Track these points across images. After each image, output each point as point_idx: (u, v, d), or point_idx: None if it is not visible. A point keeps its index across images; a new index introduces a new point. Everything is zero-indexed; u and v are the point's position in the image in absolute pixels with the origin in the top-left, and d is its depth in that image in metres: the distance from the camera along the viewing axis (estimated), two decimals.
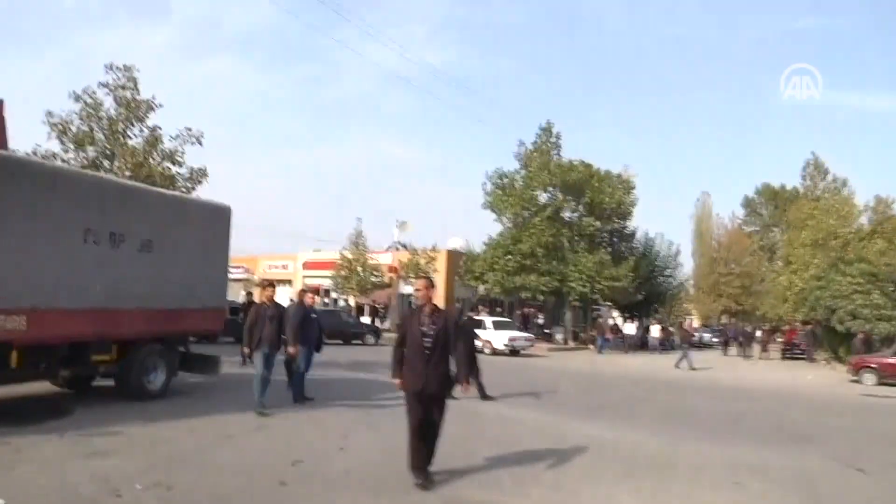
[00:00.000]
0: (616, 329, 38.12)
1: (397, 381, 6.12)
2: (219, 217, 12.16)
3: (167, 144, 18.41)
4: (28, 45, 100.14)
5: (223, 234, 12.20)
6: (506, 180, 37.11)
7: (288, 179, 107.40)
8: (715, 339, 43.22)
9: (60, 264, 8.88)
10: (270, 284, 11.03)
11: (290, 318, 10.40)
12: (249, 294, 17.81)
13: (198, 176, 18.51)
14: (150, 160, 17.96)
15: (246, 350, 10.09)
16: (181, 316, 10.95)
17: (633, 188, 38.66)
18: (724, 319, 58.90)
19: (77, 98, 17.27)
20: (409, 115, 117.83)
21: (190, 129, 18.57)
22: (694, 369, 23.24)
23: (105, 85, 17.58)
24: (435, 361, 5.95)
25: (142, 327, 10.21)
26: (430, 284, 6.33)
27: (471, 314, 18.89)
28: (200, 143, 18.71)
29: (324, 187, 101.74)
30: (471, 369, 7.44)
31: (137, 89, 17.90)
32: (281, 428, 8.83)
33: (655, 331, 42.15)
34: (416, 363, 5.96)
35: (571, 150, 40.25)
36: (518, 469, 6.93)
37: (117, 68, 17.65)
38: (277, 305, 10.43)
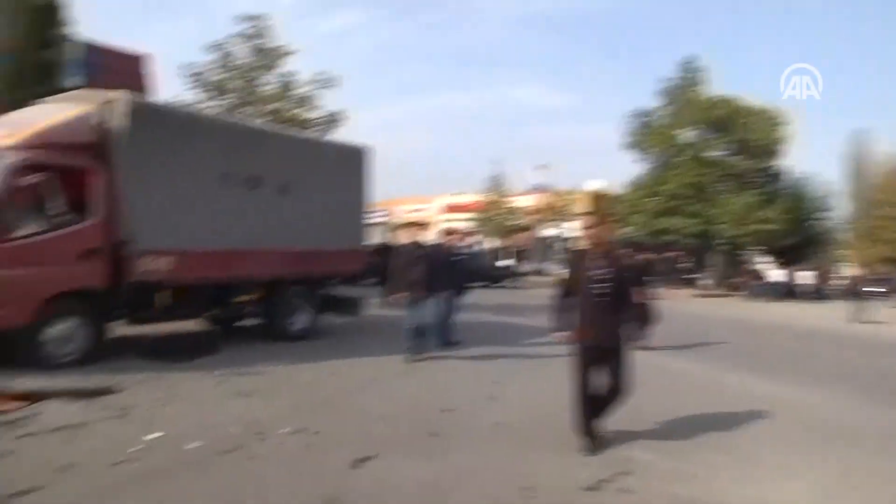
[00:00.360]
0: (762, 275, 35.29)
1: (561, 333, 5.28)
2: (356, 158, 11.90)
3: (302, 90, 18.45)
4: (169, 9, 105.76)
5: (361, 175, 11.95)
6: (648, 119, 34.81)
7: (425, 125, 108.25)
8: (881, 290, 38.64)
9: (202, 207, 8.91)
10: (419, 225, 10.62)
11: (433, 259, 9.87)
12: (389, 236, 17.67)
13: (334, 119, 18.46)
14: (285, 106, 18.10)
15: (397, 295, 9.36)
16: (321, 257, 10.85)
17: (785, 124, 34.95)
18: (884, 267, 53.01)
19: (212, 49, 17.60)
20: (547, 56, 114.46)
21: (323, 74, 18.52)
22: (867, 322, 20.61)
23: (238, 35, 17.78)
24: (610, 310, 5.13)
25: (282, 269, 10.19)
26: (603, 221, 5.45)
27: (649, 255, 16.56)
28: (334, 87, 18.63)
29: (461, 132, 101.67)
30: (649, 321, 6.01)
31: (269, 38, 17.98)
32: (427, 373, 8.50)
33: (805, 277, 38.52)
34: (586, 312, 5.14)
35: (718, 85, 36.61)
36: (688, 429, 6.09)
37: (248, 18, 17.79)
38: (425, 247, 9.92)
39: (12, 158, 7.21)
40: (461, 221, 42.12)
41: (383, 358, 9.21)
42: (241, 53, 17.88)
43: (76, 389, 6.37)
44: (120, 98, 8.04)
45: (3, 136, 7.55)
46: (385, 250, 15.96)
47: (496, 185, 36.01)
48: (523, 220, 37.11)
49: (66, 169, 7.62)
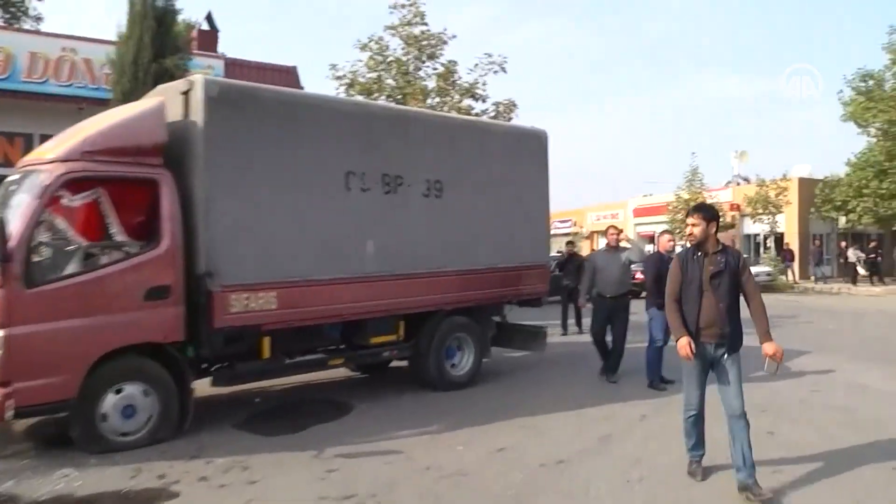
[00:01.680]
0: None
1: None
2: (531, 146, 9.06)
3: (466, 77, 16.01)
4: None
5: (539, 167, 9.11)
6: (871, 82, 28.06)
7: (611, 128, 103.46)
8: None
9: (316, 221, 6.59)
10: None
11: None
12: (571, 244, 14.61)
13: (506, 110, 15.80)
14: (448, 98, 15.73)
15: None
16: (489, 278, 8.18)
17: None
18: None
19: (363, 47, 15.67)
20: (730, 43, 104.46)
21: (490, 56, 15.94)
22: None
23: (391, 27, 15.72)
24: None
25: (436, 296, 7.61)
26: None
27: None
28: (504, 71, 15.98)
29: (651, 131, 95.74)
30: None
31: (425, 23, 15.72)
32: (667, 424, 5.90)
33: None
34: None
35: None
36: None
37: (401, 6, 15.65)
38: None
39: (48, 175, 5.34)
40: (652, 224, 37.71)
41: (598, 403, 6.78)
42: (394, 45, 15.80)
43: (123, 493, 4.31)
44: (196, 82, 5.95)
45: (49, 148, 5.79)
46: (570, 263, 13.00)
47: (692, 180, 31.22)
48: (724, 217, 31.82)
49: (123, 182, 5.66)
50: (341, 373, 8.32)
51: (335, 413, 6.79)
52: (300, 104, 6.81)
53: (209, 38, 17.71)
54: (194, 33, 16.33)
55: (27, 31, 18.73)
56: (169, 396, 5.69)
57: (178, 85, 6.16)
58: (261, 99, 6.38)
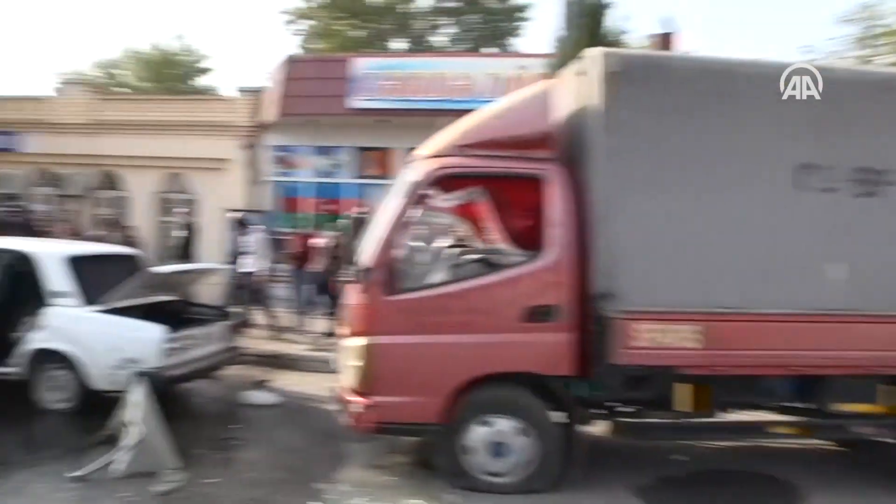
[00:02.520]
0: None
1: None
2: None
3: None
4: None
5: None
6: None
7: None
8: None
9: (756, 233, 4.79)
10: None
11: None
12: None
13: None
14: None
15: None
16: None
17: None
18: None
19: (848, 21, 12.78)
20: None
21: None
22: None
23: None
24: None
25: None
26: None
27: None
28: None
29: None
30: None
31: None
32: None
33: None
34: None
35: None
36: None
37: None
38: None
39: (418, 173, 4.83)
40: None
41: None
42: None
43: None
44: (593, 56, 4.84)
45: (428, 145, 5.34)
46: None
47: None
48: None
49: (503, 179, 4.86)
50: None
51: (775, 499, 4.84)
52: (738, 76, 5.07)
53: (665, 42, 16.80)
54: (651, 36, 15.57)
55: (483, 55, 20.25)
56: (549, 440, 4.61)
57: (573, 67, 5.15)
58: (679, 71, 4.92)
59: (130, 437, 4.71)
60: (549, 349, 4.60)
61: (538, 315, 4.59)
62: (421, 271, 4.86)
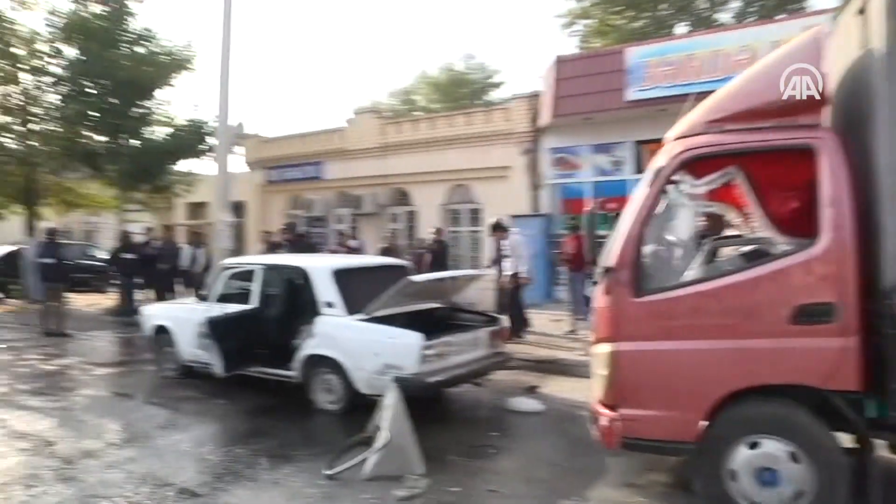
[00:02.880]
0: None
1: None
2: None
3: None
4: None
5: None
6: None
7: None
8: None
9: None
10: None
11: None
12: None
13: None
14: None
15: None
16: None
17: None
18: None
19: None
20: None
21: None
22: None
23: None
24: None
25: None
26: None
27: None
28: None
29: None
30: None
31: None
32: None
33: None
34: None
35: None
36: None
37: None
38: None
39: (663, 157, 4.28)
40: None
41: None
42: None
43: None
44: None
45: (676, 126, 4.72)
46: None
47: None
48: None
49: (763, 155, 4.10)
50: None
51: None
52: None
53: None
54: None
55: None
56: (828, 469, 3.75)
57: (851, 5, 4.15)
58: None
59: (379, 440, 4.95)
60: (824, 358, 3.75)
61: (812, 315, 3.77)
62: (671, 268, 4.34)
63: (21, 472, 5.08)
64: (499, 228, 10.51)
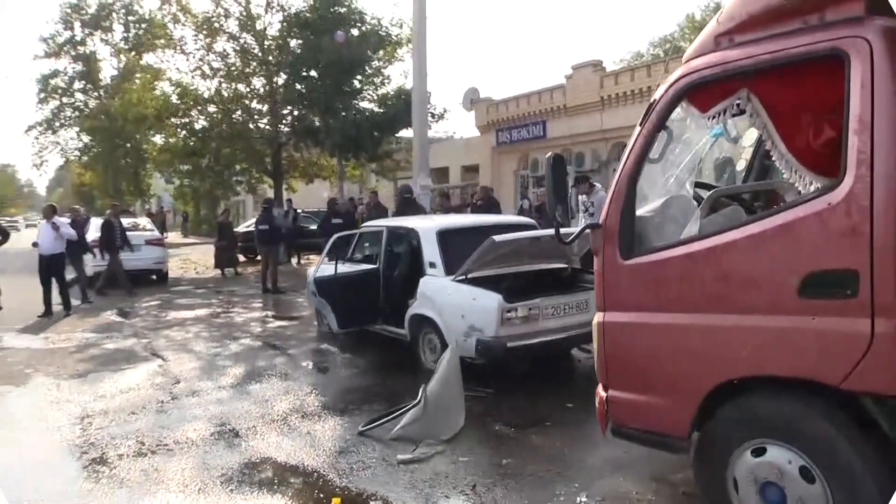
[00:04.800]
0: None
1: None
2: None
3: None
4: None
5: None
6: None
7: None
8: None
9: None
10: None
11: None
12: None
13: None
14: None
15: None
16: None
17: None
18: None
19: None
20: None
21: None
22: None
23: None
24: None
25: None
26: None
27: None
28: None
29: None
30: None
31: None
32: None
33: None
34: None
35: None
36: None
37: None
38: None
39: (663, 87, 3.36)
40: None
41: None
42: None
43: None
44: None
45: None
46: None
47: None
48: None
49: (786, 69, 2.96)
50: None
51: None
52: None
53: None
54: None
55: None
56: (854, 490, 2.71)
57: None
58: None
59: (416, 403, 4.83)
60: (841, 345, 2.70)
61: (826, 287, 2.72)
62: (668, 224, 3.48)
63: (135, 401, 6.03)
64: (582, 181, 9.41)
